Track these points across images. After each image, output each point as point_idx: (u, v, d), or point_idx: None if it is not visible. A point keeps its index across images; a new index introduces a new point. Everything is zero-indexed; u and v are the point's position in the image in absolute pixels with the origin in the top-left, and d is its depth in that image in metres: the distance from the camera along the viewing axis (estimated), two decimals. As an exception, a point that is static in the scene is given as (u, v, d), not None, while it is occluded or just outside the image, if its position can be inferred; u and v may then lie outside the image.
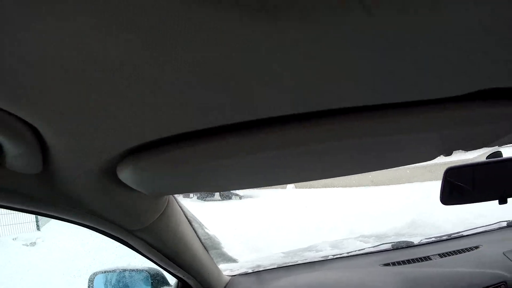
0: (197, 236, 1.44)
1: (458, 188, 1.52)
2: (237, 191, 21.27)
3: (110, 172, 0.69)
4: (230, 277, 1.85)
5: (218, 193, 22.74)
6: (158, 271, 1.59)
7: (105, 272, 1.61)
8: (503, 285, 1.70)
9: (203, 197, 21.75)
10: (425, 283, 1.73)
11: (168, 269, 1.33)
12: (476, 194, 1.53)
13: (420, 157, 0.90)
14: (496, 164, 1.57)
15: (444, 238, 2.29)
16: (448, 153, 0.92)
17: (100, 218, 0.90)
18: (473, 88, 0.56)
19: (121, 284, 1.63)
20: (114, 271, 1.62)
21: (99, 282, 1.60)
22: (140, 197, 0.87)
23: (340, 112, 0.58)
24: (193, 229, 1.39)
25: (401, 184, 14.35)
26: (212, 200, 20.99)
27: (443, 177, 1.48)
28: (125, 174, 0.67)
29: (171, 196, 1.11)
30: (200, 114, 0.53)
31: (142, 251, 1.13)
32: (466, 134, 0.73)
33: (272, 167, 0.73)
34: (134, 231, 1.01)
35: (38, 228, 11.18)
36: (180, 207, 1.25)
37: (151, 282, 1.63)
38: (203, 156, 0.62)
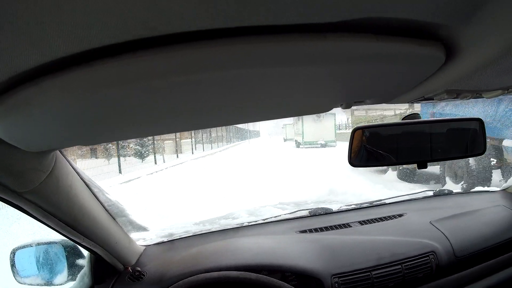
0: (99, 201, 1.43)
1: (367, 149, 1.46)
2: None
3: None
4: (144, 246, 1.85)
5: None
6: (71, 243, 1.60)
7: (23, 247, 1.62)
8: (431, 255, 1.75)
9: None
10: (345, 251, 1.75)
11: (71, 237, 1.32)
12: (388, 156, 1.47)
13: (313, 107, 0.95)
14: (413, 126, 1.47)
15: (365, 205, 2.32)
16: (347, 105, 0.93)
17: None
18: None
19: (40, 258, 1.64)
20: (31, 245, 1.63)
21: (19, 257, 1.61)
22: (21, 154, 0.88)
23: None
24: (93, 194, 1.39)
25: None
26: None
27: (351, 136, 1.42)
28: None
29: (59, 155, 1.12)
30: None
31: (36, 216, 1.13)
32: (361, 77, 0.72)
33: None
34: (23, 193, 1.01)
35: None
36: (73, 168, 1.25)
37: (66, 255, 1.65)
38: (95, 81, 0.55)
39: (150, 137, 19.95)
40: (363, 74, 0.69)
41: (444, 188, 2.47)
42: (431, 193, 2.46)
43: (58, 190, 1.13)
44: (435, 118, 1.52)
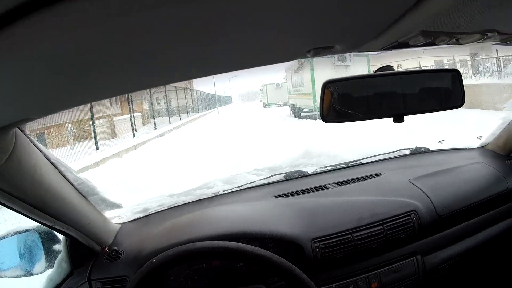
0: (68, 181, 1.40)
1: (341, 103, 1.43)
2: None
3: None
4: (120, 224, 1.85)
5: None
6: (45, 228, 1.57)
7: None
8: (413, 214, 1.76)
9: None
10: (323, 213, 1.76)
11: (42, 221, 1.30)
12: (363, 110, 1.46)
13: (278, 54, 0.89)
14: (387, 78, 1.45)
15: (340, 166, 2.37)
16: (315, 53, 0.86)
17: None
18: None
19: (17, 248, 1.61)
20: (6, 236, 1.58)
21: None
22: None
23: None
24: (61, 173, 1.36)
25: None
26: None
27: (321, 91, 1.38)
28: None
29: (19, 133, 1.08)
30: None
31: (3, 202, 1.10)
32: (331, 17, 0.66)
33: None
34: None
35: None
36: (37, 147, 1.20)
37: (42, 242, 1.62)
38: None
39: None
40: (328, 12, 0.63)
41: (420, 146, 2.47)
42: (407, 152, 2.49)
43: (22, 172, 1.10)
44: (409, 69, 1.46)
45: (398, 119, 1.39)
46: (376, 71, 1.42)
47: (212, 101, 50.40)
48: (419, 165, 2.24)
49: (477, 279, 2.04)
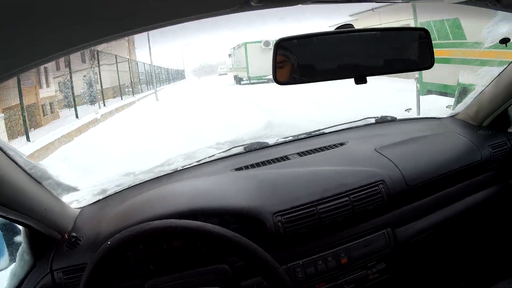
0: (18, 165, 1.30)
1: (297, 63, 1.32)
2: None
3: None
4: (80, 209, 1.75)
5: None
6: (4, 220, 1.49)
7: None
8: (381, 184, 1.74)
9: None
10: (285, 185, 1.71)
11: None
12: (322, 71, 1.35)
13: None
14: (349, 35, 1.33)
15: (302, 136, 2.32)
16: None
17: None
18: None
19: None
20: None
21: None
22: None
23: None
24: (9, 157, 1.25)
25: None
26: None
27: (274, 50, 1.26)
28: None
29: None
30: None
31: None
32: None
33: None
34: None
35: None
36: None
37: (2, 235, 1.54)
38: None
39: None
40: None
41: (386, 115, 2.45)
42: (373, 120, 2.47)
43: None
44: (373, 27, 1.36)
45: (360, 80, 1.32)
46: (336, 29, 1.32)
47: (164, 76, 35.27)
48: (385, 134, 2.22)
49: (450, 251, 2.06)
